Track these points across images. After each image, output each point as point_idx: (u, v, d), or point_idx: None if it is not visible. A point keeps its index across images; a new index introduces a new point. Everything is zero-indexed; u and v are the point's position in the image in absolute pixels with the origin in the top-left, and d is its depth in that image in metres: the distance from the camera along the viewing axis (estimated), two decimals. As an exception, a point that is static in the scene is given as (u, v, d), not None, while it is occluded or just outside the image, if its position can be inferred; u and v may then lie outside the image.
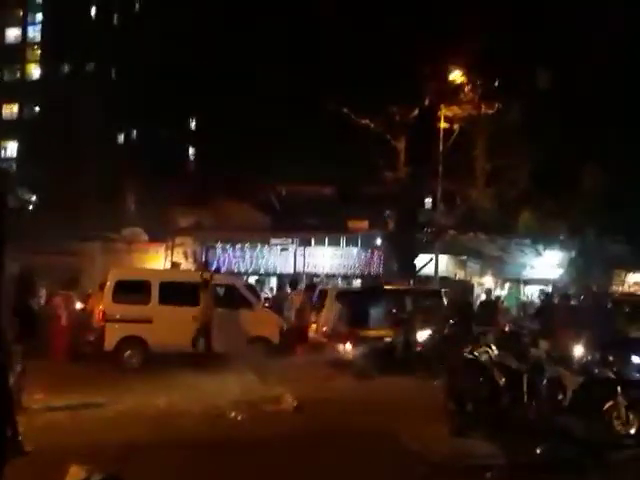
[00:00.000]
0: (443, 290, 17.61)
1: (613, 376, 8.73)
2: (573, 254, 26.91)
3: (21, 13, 53.49)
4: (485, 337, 12.16)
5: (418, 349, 13.94)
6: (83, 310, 15.83)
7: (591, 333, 10.15)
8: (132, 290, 14.06)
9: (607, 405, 8.50)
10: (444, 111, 23.71)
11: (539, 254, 27.36)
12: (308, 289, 17.94)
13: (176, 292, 14.30)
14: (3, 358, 3.02)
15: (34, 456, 6.80)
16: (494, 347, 9.34)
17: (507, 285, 27.18)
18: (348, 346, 14.04)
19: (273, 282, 26.29)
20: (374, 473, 7.12)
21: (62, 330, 14.32)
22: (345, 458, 7.53)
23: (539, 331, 12.43)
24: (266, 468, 7.11)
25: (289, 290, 17.69)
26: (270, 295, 21.99)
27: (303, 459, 7.44)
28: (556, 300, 15.76)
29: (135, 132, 49.74)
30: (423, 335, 14.15)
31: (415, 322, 14.41)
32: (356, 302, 15.38)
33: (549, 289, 23.76)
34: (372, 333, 14.30)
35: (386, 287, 17.36)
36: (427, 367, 12.72)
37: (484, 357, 9.23)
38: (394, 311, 15.01)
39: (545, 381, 8.65)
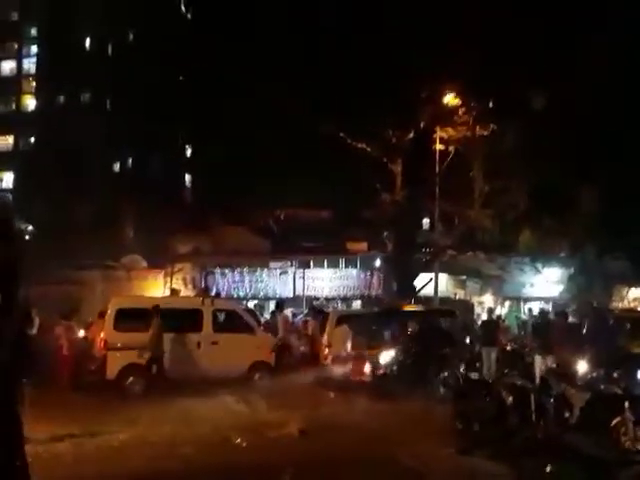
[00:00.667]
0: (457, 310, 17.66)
1: (620, 392, 8.69)
2: (572, 271, 26.98)
3: (16, 46, 53.98)
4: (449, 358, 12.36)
5: (381, 371, 13.80)
6: (84, 339, 15.75)
7: (595, 350, 10.14)
8: (133, 318, 13.98)
9: (614, 422, 8.43)
10: (439, 133, 23.91)
11: (538, 272, 27.42)
12: (318, 313, 17.74)
13: (177, 319, 14.24)
14: (15, 389, 3.01)
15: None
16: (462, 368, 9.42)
17: (507, 303, 27.19)
18: (367, 368, 13.90)
19: (272, 306, 26.23)
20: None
21: (64, 360, 14.23)
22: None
23: (536, 348, 12.45)
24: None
25: (278, 314, 17.49)
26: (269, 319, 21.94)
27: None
28: (552, 317, 15.79)
29: (131, 160, 50.05)
30: (386, 357, 14.02)
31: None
32: (370, 324, 15.40)
33: (548, 306, 23.78)
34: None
35: (403, 309, 17.44)
36: (390, 389, 12.70)
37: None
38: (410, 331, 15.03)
39: (552, 400, 8.62)
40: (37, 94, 52.79)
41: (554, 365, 10.18)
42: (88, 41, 51.75)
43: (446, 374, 12.36)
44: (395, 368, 13.62)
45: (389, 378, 13.49)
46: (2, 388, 2.96)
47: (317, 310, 19.81)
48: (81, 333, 16.02)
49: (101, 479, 7.30)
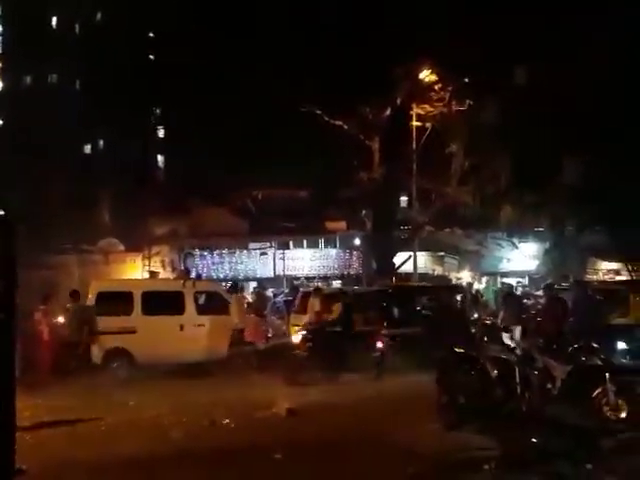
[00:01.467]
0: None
1: (600, 363, 8.86)
2: (548, 245, 27.35)
3: (-20, 25, 52.50)
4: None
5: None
6: (64, 324, 15.58)
7: (578, 322, 10.32)
8: (114, 301, 13.91)
9: (596, 392, 8.62)
10: (416, 110, 23.90)
11: (515, 247, 27.76)
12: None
13: (159, 301, 14.19)
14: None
15: (31, 474, 6.70)
16: None
17: (484, 279, 27.54)
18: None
19: (252, 287, 26.22)
20: (368, 474, 7.12)
21: (45, 345, 14.08)
22: (340, 461, 7.52)
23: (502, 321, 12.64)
24: (261, 475, 7.10)
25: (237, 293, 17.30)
26: (250, 299, 21.91)
27: (297, 464, 7.42)
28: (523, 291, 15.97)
29: (102, 142, 49.26)
30: (297, 336, 13.95)
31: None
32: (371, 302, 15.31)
33: (512, 282, 24.04)
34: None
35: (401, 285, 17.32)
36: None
37: None
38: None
39: (536, 372, 8.76)
40: (3, 75, 51.56)
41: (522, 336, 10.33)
42: (55, 20, 50.59)
43: None
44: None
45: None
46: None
47: (295, 288, 19.78)
48: (60, 318, 15.85)
49: (91, 464, 7.26)
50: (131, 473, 6.97)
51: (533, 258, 27.79)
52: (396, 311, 15.21)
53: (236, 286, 18.68)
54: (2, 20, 51.79)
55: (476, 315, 15.70)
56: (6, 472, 2.98)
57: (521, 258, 27.83)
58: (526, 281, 27.11)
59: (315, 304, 14.65)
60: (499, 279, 27.39)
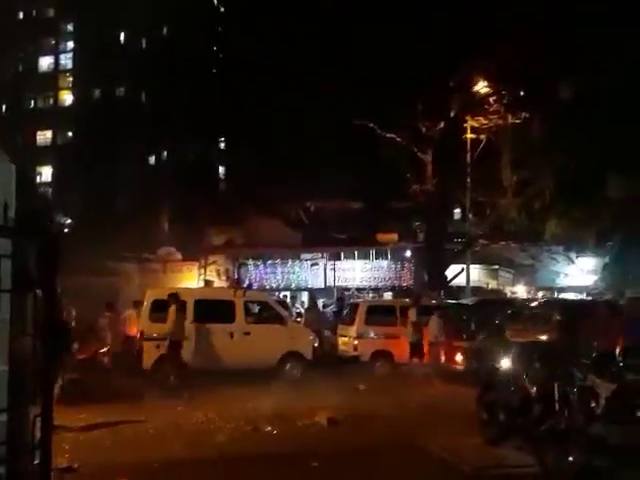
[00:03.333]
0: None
1: (647, 382, 8.68)
2: (607, 260, 26.62)
3: (53, 42, 55.04)
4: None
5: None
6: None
7: (631, 340, 10.09)
8: (168, 309, 14.36)
9: (641, 411, 8.45)
10: (470, 122, 23.79)
11: (572, 262, 27.13)
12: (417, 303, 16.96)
13: (210, 309, 14.59)
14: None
15: (82, 473, 7.13)
16: None
17: (540, 294, 26.99)
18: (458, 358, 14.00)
19: (305, 297, 26.57)
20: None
21: (107, 351, 14.77)
22: (377, 471, 7.66)
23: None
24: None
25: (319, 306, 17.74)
26: (302, 309, 22.24)
27: (333, 472, 7.59)
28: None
29: (166, 153, 50.71)
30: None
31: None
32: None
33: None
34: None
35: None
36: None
37: None
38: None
39: (576, 389, 8.66)
40: (74, 89, 53.86)
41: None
42: (122, 35, 52.57)
43: None
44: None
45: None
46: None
47: (341, 299, 19.94)
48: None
49: (137, 465, 7.62)
50: (173, 475, 7.29)
51: (591, 273, 27.10)
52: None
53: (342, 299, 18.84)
54: (73, 37, 54.22)
55: None
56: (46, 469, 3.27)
57: (579, 273, 27.18)
58: (584, 297, 26.44)
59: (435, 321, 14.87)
60: (556, 294, 26.83)
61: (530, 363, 9.38)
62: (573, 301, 19.01)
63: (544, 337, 12.56)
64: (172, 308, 13.78)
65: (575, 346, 10.42)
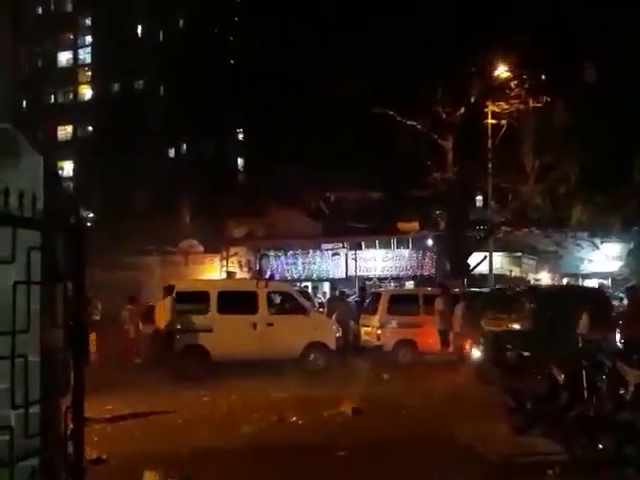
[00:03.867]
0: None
1: (677, 370, 8.54)
2: (632, 246, 26.26)
3: (72, 37, 55.43)
4: None
5: None
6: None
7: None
8: (192, 301, 14.46)
9: (671, 399, 8.33)
10: (491, 107, 23.51)
11: (596, 247, 26.80)
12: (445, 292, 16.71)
13: (234, 301, 14.63)
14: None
15: (111, 464, 7.20)
16: None
17: (565, 280, 26.74)
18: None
19: (326, 287, 26.58)
20: (433, 474, 7.19)
21: (130, 343, 14.92)
22: (404, 460, 7.63)
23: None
24: (325, 471, 7.27)
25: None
26: (323, 300, 22.26)
27: (360, 462, 7.57)
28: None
29: (185, 146, 50.92)
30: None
31: None
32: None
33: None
34: None
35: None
36: None
37: None
38: None
39: (605, 377, 8.56)
40: (93, 83, 54.23)
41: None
42: (140, 29, 52.75)
43: None
44: None
45: None
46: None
47: (363, 289, 19.89)
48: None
49: (165, 455, 7.67)
50: (201, 465, 7.33)
51: (616, 259, 26.74)
52: None
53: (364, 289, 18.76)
54: (91, 31, 54.54)
55: None
56: (78, 461, 3.29)
57: (603, 259, 26.84)
58: (609, 283, 26.16)
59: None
60: (580, 281, 26.58)
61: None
62: (597, 289, 18.81)
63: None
64: (168, 299, 13.98)
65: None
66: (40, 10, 53.52)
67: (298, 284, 24.03)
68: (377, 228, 26.01)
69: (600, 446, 7.67)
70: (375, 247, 26.75)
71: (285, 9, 29.28)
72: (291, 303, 15.28)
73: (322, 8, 25.44)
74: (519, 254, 27.99)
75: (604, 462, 7.41)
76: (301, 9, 27.25)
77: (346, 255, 25.92)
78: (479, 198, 28.29)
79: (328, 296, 24.04)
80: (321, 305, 19.99)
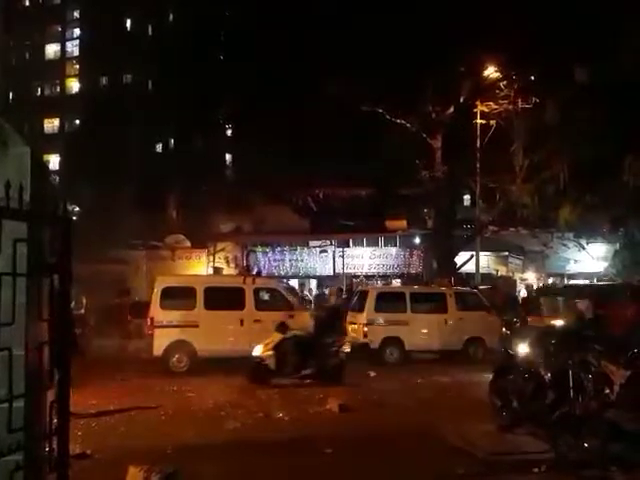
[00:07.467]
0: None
1: (661, 369, 8.60)
2: (618, 247, 26.44)
3: (59, 29, 54.88)
4: None
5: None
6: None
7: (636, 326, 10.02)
8: (178, 296, 14.38)
9: (656, 398, 8.38)
10: (480, 107, 23.56)
11: (582, 248, 26.97)
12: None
13: (220, 297, 14.56)
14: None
15: (95, 459, 7.14)
16: None
17: (550, 280, 26.90)
18: None
19: (313, 284, 26.56)
20: (419, 471, 7.20)
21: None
22: (390, 457, 7.64)
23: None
24: (312, 468, 7.25)
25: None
26: (310, 296, 22.24)
27: (346, 458, 7.56)
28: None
29: (172, 141, 50.63)
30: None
31: None
32: None
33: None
34: None
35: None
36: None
37: None
38: None
39: (591, 376, 8.61)
40: (80, 76, 53.76)
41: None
42: (129, 22, 52.35)
43: None
44: None
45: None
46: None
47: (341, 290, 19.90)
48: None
49: (149, 450, 7.62)
50: (186, 460, 7.27)
51: (602, 260, 26.93)
52: None
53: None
54: (79, 24, 54.04)
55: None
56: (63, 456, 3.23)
57: (589, 260, 27.02)
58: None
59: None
60: (566, 280, 26.73)
61: (545, 349, 9.33)
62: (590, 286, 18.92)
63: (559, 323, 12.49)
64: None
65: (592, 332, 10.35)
66: (27, 2, 52.96)
67: (285, 281, 23.98)
68: (365, 226, 25.98)
69: (585, 445, 7.72)
70: (363, 245, 26.76)
71: (275, 5, 29.14)
72: (279, 299, 15.22)
73: (312, 4, 25.36)
74: (506, 253, 28.11)
75: (589, 460, 7.46)
76: (292, 5, 27.11)
77: (334, 252, 25.92)
78: (467, 197, 28.35)
79: (315, 293, 24.07)
80: (308, 302, 19.97)
